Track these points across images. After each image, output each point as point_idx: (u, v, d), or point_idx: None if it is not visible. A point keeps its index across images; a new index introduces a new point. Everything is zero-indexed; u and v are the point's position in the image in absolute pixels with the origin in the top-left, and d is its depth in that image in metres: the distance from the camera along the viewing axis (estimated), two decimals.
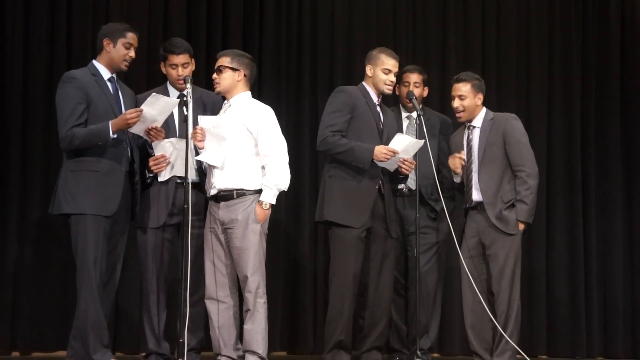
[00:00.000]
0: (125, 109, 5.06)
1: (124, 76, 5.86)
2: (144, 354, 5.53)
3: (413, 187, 5.81)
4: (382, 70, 5.57)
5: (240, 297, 5.25)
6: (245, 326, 5.14)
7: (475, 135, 5.63)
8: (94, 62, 5.18)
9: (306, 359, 6.53)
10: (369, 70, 5.62)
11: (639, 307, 7.35)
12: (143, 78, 6.70)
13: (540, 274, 7.32)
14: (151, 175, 5.31)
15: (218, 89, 5.28)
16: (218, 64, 5.28)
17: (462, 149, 5.67)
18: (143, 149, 5.27)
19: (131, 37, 5.18)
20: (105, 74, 5.15)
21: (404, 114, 6.11)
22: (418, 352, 5.39)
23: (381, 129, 5.58)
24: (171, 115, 5.34)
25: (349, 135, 5.48)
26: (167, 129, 5.31)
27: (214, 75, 5.28)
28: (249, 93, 5.33)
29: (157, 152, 5.25)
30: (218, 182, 5.17)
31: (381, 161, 5.40)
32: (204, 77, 6.14)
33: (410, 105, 5.89)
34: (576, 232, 7.40)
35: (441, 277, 6.13)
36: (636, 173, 7.50)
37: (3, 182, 6.53)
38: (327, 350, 5.46)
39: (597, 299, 7.34)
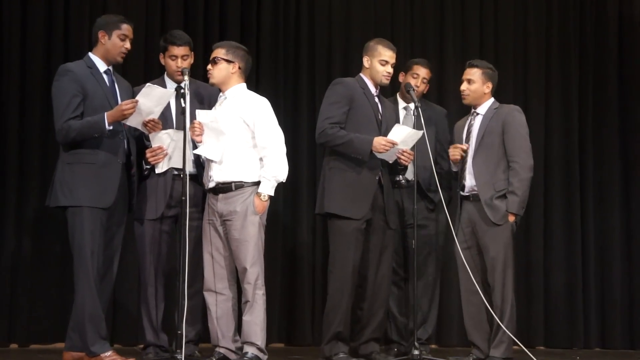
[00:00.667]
0: (122, 101, 5.05)
1: (121, 69, 5.86)
2: (142, 346, 5.54)
3: (411, 178, 5.81)
4: (380, 61, 5.56)
5: (238, 288, 5.25)
6: (244, 318, 5.14)
7: (477, 121, 5.66)
8: (90, 54, 5.17)
9: (304, 351, 6.52)
10: (366, 61, 5.62)
11: (636, 298, 7.37)
12: (140, 71, 6.71)
13: (538, 265, 7.33)
14: (148, 167, 5.31)
15: (212, 80, 5.27)
16: (213, 55, 5.27)
17: (463, 134, 5.68)
18: (140, 140, 5.27)
19: (126, 28, 5.16)
20: (101, 66, 5.14)
21: (401, 105, 6.12)
22: (416, 343, 5.39)
23: (380, 120, 5.58)
24: (168, 107, 5.34)
25: (347, 127, 5.47)
26: (164, 121, 5.30)
27: (209, 67, 5.27)
28: (244, 85, 5.32)
29: (155, 144, 5.25)
30: (216, 175, 5.17)
31: (380, 152, 5.40)
32: (201, 70, 6.14)
33: (408, 96, 5.89)
34: (574, 224, 7.41)
35: (439, 268, 6.14)
36: (634, 165, 7.52)
37: (0, 175, 6.53)
38: (325, 342, 5.47)
39: (594, 290, 7.36)
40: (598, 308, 7.36)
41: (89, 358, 4.98)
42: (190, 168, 5.18)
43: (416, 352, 5.35)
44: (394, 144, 5.38)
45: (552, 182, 7.44)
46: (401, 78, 6.09)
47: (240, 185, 5.15)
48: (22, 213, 6.51)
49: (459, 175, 5.66)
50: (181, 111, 5.13)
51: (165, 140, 5.25)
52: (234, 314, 5.24)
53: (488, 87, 5.66)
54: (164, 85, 5.40)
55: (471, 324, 5.60)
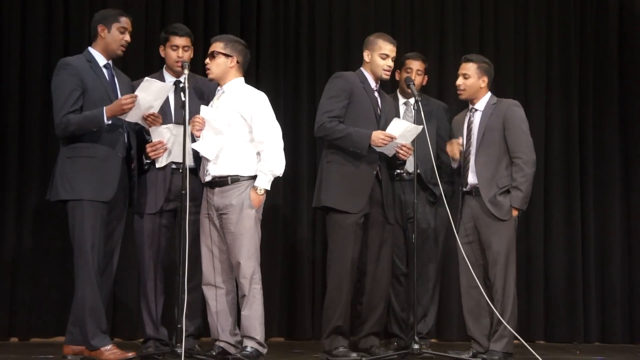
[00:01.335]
0: (121, 95, 5.05)
1: (121, 63, 5.87)
2: (142, 340, 5.54)
3: (411, 170, 5.80)
4: (380, 55, 5.56)
5: (236, 282, 5.25)
6: (242, 312, 5.14)
7: (477, 118, 5.64)
8: (90, 49, 5.17)
9: (304, 345, 6.54)
10: (366, 55, 5.62)
11: (636, 293, 7.38)
12: (140, 65, 6.71)
13: (538, 259, 7.34)
14: (148, 161, 5.31)
15: (210, 75, 5.27)
16: (211, 49, 5.27)
17: (463, 130, 5.68)
18: (140, 135, 5.27)
19: (125, 21, 5.16)
20: (101, 60, 5.14)
21: (402, 100, 6.11)
22: (416, 337, 5.40)
23: (379, 115, 5.57)
24: (167, 102, 5.34)
25: (346, 121, 5.47)
26: (163, 115, 5.30)
27: (207, 61, 5.27)
28: (242, 79, 5.31)
29: (155, 138, 5.25)
30: (212, 169, 5.17)
31: (379, 146, 5.40)
32: (200, 64, 6.13)
33: (409, 91, 5.88)
34: (574, 219, 7.42)
35: (440, 262, 6.14)
36: (634, 160, 7.52)
37: (1, 169, 6.54)
38: (325, 336, 5.47)
39: (594, 284, 7.37)
40: (598, 302, 7.37)
41: (89, 352, 4.99)
42: (189, 162, 5.18)
43: (416, 346, 5.35)
44: (392, 138, 5.38)
45: (552, 178, 7.44)
46: (397, 76, 6.08)
47: (236, 179, 5.15)
48: (22, 207, 6.52)
49: (462, 173, 5.66)
50: (181, 105, 5.13)
51: (166, 135, 5.25)
52: (233, 307, 5.24)
53: (484, 82, 5.65)
54: (162, 80, 5.40)
55: (471, 319, 5.60)
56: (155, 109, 5.09)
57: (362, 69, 5.65)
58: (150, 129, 5.20)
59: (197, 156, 5.30)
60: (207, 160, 5.19)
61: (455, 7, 7.51)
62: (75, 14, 6.70)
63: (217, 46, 5.25)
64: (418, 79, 6.00)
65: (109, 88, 5.10)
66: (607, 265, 7.43)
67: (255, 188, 5.12)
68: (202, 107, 5.25)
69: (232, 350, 5.20)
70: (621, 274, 7.39)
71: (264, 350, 5.15)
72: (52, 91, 5.06)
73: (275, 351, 5.73)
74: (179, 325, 4.84)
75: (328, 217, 5.53)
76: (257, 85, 6.38)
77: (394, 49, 5.59)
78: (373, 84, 5.61)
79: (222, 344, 5.22)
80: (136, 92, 4.96)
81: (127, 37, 5.17)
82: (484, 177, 5.52)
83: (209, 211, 5.21)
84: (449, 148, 5.69)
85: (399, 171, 5.82)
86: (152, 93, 5.00)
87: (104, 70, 5.14)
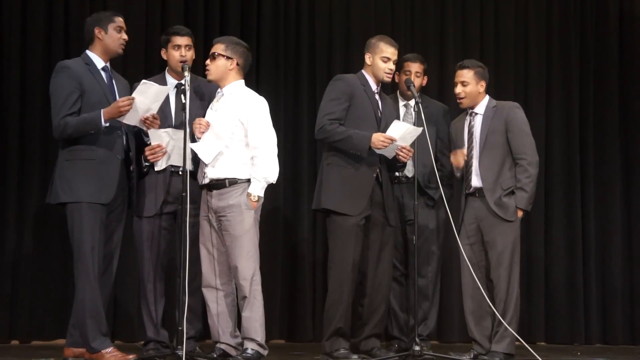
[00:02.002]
0: (120, 98, 5.05)
1: (121, 66, 5.87)
2: (142, 342, 5.54)
3: (410, 175, 5.82)
4: (381, 58, 5.56)
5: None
6: (243, 314, 5.13)
7: (477, 121, 5.64)
8: (88, 52, 5.18)
9: (305, 347, 6.53)
10: (368, 58, 5.61)
11: (637, 294, 7.37)
12: (141, 67, 6.72)
13: (539, 261, 7.34)
14: (147, 164, 5.31)
15: (210, 76, 5.27)
16: (212, 50, 5.26)
17: (463, 135, 5.68)
18: (138, 137, 5.26)
19: (119, 20, 5.19)
20: (99, 63, 5.15)
21: (401, 102, 6.11)
22: (417, 339, 5.39)
23: (379, 117, 5.57)
24: (167, 103, 5.35)
25: (347, 123, 5.47)
26: (164, 117, 5.31)
27: (207, 62, 5.26)
28: (242, 81, 5.30)
29: (154, 142, 5.25)
30: (210, 172, 5.17)
31: (379, 149, 5.40)
32: (201, 66, 6.14)
33: (408, 93, 5.88)
34: (575, 220, 7.42)
35: (440, 264, 6.14)
36: (634, 161, 7.52)
37: (2, 172, 6.55)
38: (326, 338, 5.47)
39: (595, 286, 7.36)
40: (599, 304, 7.36)
41: (89, 354, 4.98)
42: (189, 165, 5.18)
43: (417, 348, 5.34)
44: (392, 140, 5.38)
45: (553, 179, 7.44)
46: (397, 78, 6.08)
47: (233, 182, 5.14)
48: (23, 210, 6.52)
49: (465, 177, 5.65)
50: (181, 107, 5.12)
51: (165, 139, 5.25)
52: (233, 309, 5.24)
53: (482, 86, 5.65)
54: (164, 82, 5.41)
55: (472, 320, 5.59)
56: (153, 111, 5.08)
57: (363, 71, 5.65)
58: (149, 132, 5.20)
59: (196, 159, 5.29)
60: (205, 163, 5.19)
61: (455, 9, 7.51)
62: (76, 16, 6.70)
63: (218, 48, 5.25)
64: (417, 81, 6.00)
65: (107, 91, 5.10)
66: (608, 266, 7.42)
67: (249, 195, 5.11)
68: (208, 112, 5.26)
69: (232, 352, 5.20)
70: (622, 275, 7.39)
71: (265, 352, 5.15)
72: (50, 93, 5.07)
73: (276, 353, 5.73)
74: (180, 328, 4.84)
75: (328, 220, 5.52)
76: (257, 87, 6.41)
77: (396, 52, 5.59)
78: (374, 87, 5.61)
79: (222, 346, 5.22)
80: (133, 95, 4.96)
81: (125, 36, 5.19)
82: (488, 179, 5.52)
83: (208, 214, 5.21)
84: (453, 158, 5.71)
85: (397, 174, 5.81)
86: (149, 96, 4.99)
87: (102, 73, 5.14)
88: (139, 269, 5.40)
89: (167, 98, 5.37)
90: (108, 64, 5.19)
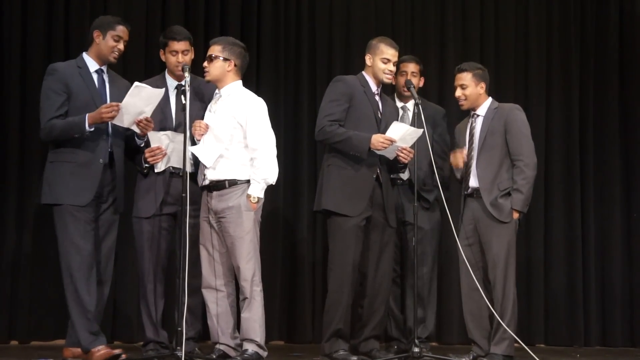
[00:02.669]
0: (113, 101, 5.06)
1: (121, 67, 5.86)
2: (142, 343, 5.54)
3: (405, 177, 5.83)
4: (382, 59, 5.56)
5: (236, 285, 5.25)
6: (242, 315, 5.14)
7: (479, 123, 5.66)
8: (84, 54, 5.21)
9: (305, 348, 6.52)
10: (368, 59, 5.62)
11: (637, 296, 7.37)
12: (141, 68, 6.71)
13: (539, 263, 7.33)
14: (147, 165, 5.31)
15: (207, 77, 5.27)
16: (209, 52, 5.26)
17: (465, 136, 5.69)
18: (131, 140, 5.26)
19: (121, 30, 5.18)
20: (93, 65, 5.16)
21: (399, 104, 6.12)
22: (416, 341, 5.39)
23: (379, 118, 5.57)
24: (168, 104, 5.36)
25: (347, 124, 5.47)
26: (164, 117, 5.32)
27: (205, 63, 5.26)
28: (240, 82, 5.30)
29: (153, 144, 5.25)
30: (210, 173, 5.18)
31: (378, 150, 5.40)
32: (201, 67, 6.14)
33: (407, 94, 5.89)
34: (574, 221, 7.41)
35: (436, 265, 6.13)
36: (634, 162, 7.51)
37: (1, 172, 6.54)
38: (325, 339, 5.47)
39: (595, 288, 7.36)
40: (598, 306, 7.36)
41: (84, 354, 5.01)
42: (188, 166, 5.18)
43: (416, 349, 5.34)
44: (392, 141, 5.38)
45: (552, 181, 7.44)
46: (393, 81, 6.07)
47: (233, 183, 5.15)
48: (22, 210, 6.52)
49: (464, 178, 5.66)
50: (181, 108, 5.13)
51: (164, 141, 5.25)
52: (233, 310, 5.24)
53: (482, 88, 5.67)
54: (164, 83, 5.41)
55: (471, 321, 5.60)
56: (147, 114, 5.08)
57: (363, 72, 5.66)
58: (149, 135, 5.21)
59: (196, 161, 5.29)
60: (205, 165, 5.19)
61: (455, 10, 7.51)
62: (76, 17, 6.70)
63: (215, 49, 5.24)
64: (414, 81, 6.00)
65: (96, 94, 5.12)
66: (608, 268, 7.41)
67: (248, 196, 5.11)
68: (207, 114, 5.26)
69: (232, 353, 5.20)
70: (621, 277, 7.38)
71: (265, 354, 5.15)
72: (40, 96, 5.10)
73: (275, 354, 5.73)
74: (179, 328, 4.84)
75: (329, 221, 5.53)
76: (258, 88, 6.40)
77: (396, 53, 5.60)
78: (374, 88, 5.61)
79: (222, 347, 5.23)
80: (125, 98, 4.96)
81: (121, 46, 5.19)
82: (485, 180, 5.53)
83: (208, 215, 5.21)
84: (452, 158, 5.71)
85: (392, 177, 5.80)
86: (142, 98, 5.00)
87: (94, 76, 5.16)
88: (139, 269, 5.40)
89: (168, 99, 5.38)
90: (104, 67, 5.20)
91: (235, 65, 5.25)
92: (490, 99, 5.71)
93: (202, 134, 5.19)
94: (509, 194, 5.51)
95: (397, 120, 5.92)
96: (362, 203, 5.43)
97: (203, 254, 5.23)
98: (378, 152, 5.43)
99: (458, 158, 5.67)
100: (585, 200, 7.45)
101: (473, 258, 5.57)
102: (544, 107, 7.50)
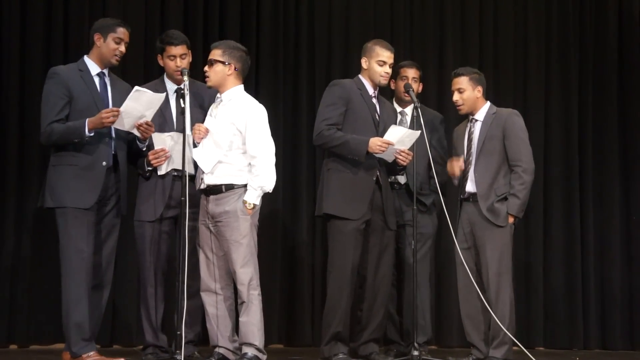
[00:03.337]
0: (115, 104, 5.06)
1: (121, 70, 5.86)
2: (141, 347, 5.53)
3: (403, 181, 5.84)
4: (377, 62, 5.57)
5: (235, 288, 5.25)
6: (240, 319, 5.13)
7: (477, 128, 5.68)
8: (85, 57, 5.20)
9: (304, 352, 6.52)
10: (364, 62, 5.63)
11: (636, 299, 7.36)
12: (140, 71, 6.70)
13: (538, 265, 7.33)
14: (150, 168, 5.31)
15: (209, 83, 5.26)
16: (210, 56, 5.25)
17: (463, 141, 5.70)
18: (133, 143, 5.26)
19: (122, 32, 5.17)
20: (94, 69, 5.15)
21: (398, 109, 6.11)
22: (415, 344, 5.39)
23: (377, 121, 5.58)
24: (168, 108, 5.36)
25: (344, 128, 5.48)
26: (164, 121, 5.32)
27: (206, 68, 5.25)
28: (241, 87, 5.30)
29: (157, 146, 5.25)
30: (207, 178, 5.17)
31: (376, 153, 5.40)
32: (200, 70, 6.14)
33: (407, 98, 5.90)
34: (573, 224, 7.41)
35: (432, 269, 6.13)
36: (633, 165, 7.52)
37: (0, 175, 6.54)
38: (325, 343, 5.47)
39: (594, 290, 7.36)
40: (598, 308, 7.35)
41: (71, 359, 4.99)
42: (190, 169, 5.18)
43: (416, 352, 5.35)
44: (390, 144, 5.38)
45: (551, 183, 7.44)
46: (392, 85, 6.09)
47: (230, 187, 5.14)
48: (21, 213, 6.51)
49: (461, 183, 5.67)
50: (181, 111, 5.13)
51: (168, 143, 5.25)
52: (231, 314, 5.23)
53: (479, 92, 5.68)
54: (163, 87, 5.42)
55: (470, 325, 5.60)
56: (147, 118, 5.08)
57: (360, 76, 5.67)
58: (153, 136, 5.21)
59: (196, 164, 5.29)
60: (203, 170, 5.19)
61: (454, 14, 7.51)
62: (75, 20, 6.70)
63: (215, 54, 5.24)
64: (414, 87, 6.01)
65: (97, 97, 5.11)
66: (607, 270, 7.41)
67: (244, 202, 5.11)
68: (207, 119, 5.25)
69: (231, 356, 5.20)
70: (621, 279, 7.38)
71: (264, 357, 5.14)
72: (41, 99, 5.10)
73: (274, 358, 5.72)
74: (179, 332, 4.84)
75: (329, 224, 5.53)
76: (256, 91, 6.41)
77: (392, 55, 5.61)
78: (371, 91, 5.62)
79: (221, 350, 5.22)
80: (126, 102, 4.95)
81: (122, 48, 5.17)
82: (482, 184, 5.55)
83: (206, 218, 5.20)
84: (449, 166, 5.73)
85: (390, 180, 5.80)
86: (143, 103, 4.99)
87: (96, 79, 5.15)
88: (139, 273, 5.40)
89: (167, 102, 5.39)
90: (106, 70, 5.19)
91: (235, 69, 5.24)
92: (488, 104, 5.72)
93: (202, 138, 5.19)
94: (505, 198, 5.52)
95: (395, 123, 5.93)
96: (363, 206, 5.44)
97: (202, 257, 5.23)
98: (376, 156, 5.43)
99: (454, 167, 5.69)
100: (584, 203, 7.45)
101: (471, 261, 5.58)
102: (543, 110, 7.51)
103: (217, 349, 5.23)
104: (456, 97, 5.67)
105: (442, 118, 6.24)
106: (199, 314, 5.41)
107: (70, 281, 4.94)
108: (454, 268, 5.78)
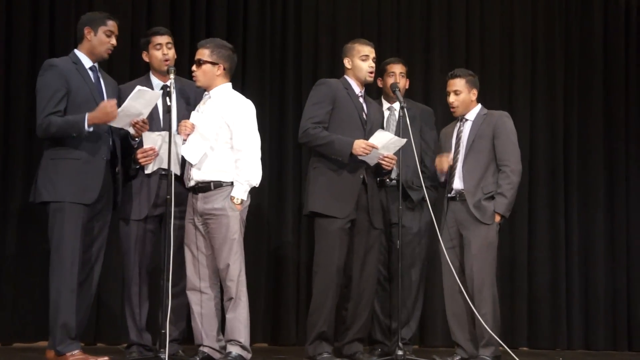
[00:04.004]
0: (107, 98, 5.02)
1: (107, 66, 5.84)
2: (125, 345, 5.52)
3: (394, 175, 5.82)
4: (360, 57, 5.59)
5: (221, 287, 5.24)
6: (227, 315, 5.13)
7: (466, 127, 5.70)
8: (76, 50, 5.16)
9: (288, 351, 6.52)
10: (347, 62, 5.65)
11: (620, 299, 7.41)
12: (126, 68, 6.68)
13: (522, 266, 7.36)
14: (137, 166, 5.28)
15: (198, 83, 5.26)
16: (197, 56, 5.24)
17: (452, 140, 5.71)
18: (125, 139, 5.24)
19: (112, 24, 5.15)
20: (87, 62, 5.12)
21: (385, 105, 6.14)
22: (400, 344, 5.40)
23: (364, 120, 5.58)
24: (155, 106, 5.33)
25: (331, 127, 5.48)
26: (151, 119, 5.29)
27: (193, 68, 5.25)
28: (229, 84, 5.30)
29: (147, 144, 5.22)
30: (195, 174, 5.17)
31: (360, 155, 5.40)
32: (187, 68, 6.12)
33: (393, 96, 5.90)
34: (558, 225, 7.44)
35: (424, 267, 6.14)
36: (618, 166, 7.56)
37: None
38: (309, 342, 5.47)
39: (578, 291, 7.39)
40: (581, 309, 7.39)
41: (55, 356, 4.95)
42: (176, 168, 5.17)
43: (400, 352, 5.36)
44: (374, 147, 5.39)
45: (536, 184, 7.47)
46: (380, 83, 6.10)
47: (219, 185, 5.14)
48: (5, 210, 6.47)
49: (448, 180, 5.69)
50: (167, 109, 5.12)
51: (158, 142, 5.23)
52: (217, 313, 5.23)
53: (474, 94, 5.72)
54: (149, 84, 5.39)
55: (455, 324, 5.62)
56: (144, 116, 5.08)
57: (345, 76, 5.68)
58: (143, 135, 5.18)
59: (183, 162, 5.27)
60: (191, 165, 5.18)
61: (441, 15, 7.52)
62: (61, 16, 6.66)
63: (204, 54, 5.23)
64: (402, 82, 6.02)
65: (95, 91, 5.08)
66: (591, 271, 7.45)
67: (232, 198, 5.10)
68: (193, 114, 5.24)
69: (216, 355, 5.19)
70: (605, 280, 7.42)
71: (249, 356, 5.14)
72: (36, 91, 5.04)
73: (259, 357, 5.72)
74: (163, 331, 4.82)
75: (315, 223, 5.53)
76: (243, 89, 6.38)
77: (373, 49, 5.63)
78: (357, 90, 5.63)
79: (206, 349, 5.21)
80: (127, 101, 4.93)
81: (114, 41, 5.15)
82: (470, 182, 5.57)
83: (194, 216, 5.19)
84: (437, 162, 5.74)
85: (378, 178, 5.81)
86: (142, 102, 4.99)
87: (90, 73, 5.12)
88: (124, 271, 5.37)
89: None
90: (96, 64, 5.17)
91: (224, 68, 5.24)
92: (479, 106, 5.76)
93: (188, 134, 5.18)
94: (492, 197, 5.54)
95: (383, 121, 5.94)
96: (349, 205, 5.44)
97: (187, 256, 5.22)
98: (360, 158, 5.43)
99: (443, 162, 5.70)
100: (569, 204, 7.49)
101: (457, 260, 5.60)
102: (529, 110, 7.53)
103: (202, 348, 5.22)
104: (452, 98, 5.69)
105: (432, 111, 6.28)
106: (183, 312, 5.40)
107: (61, 281, 4.88)
108: (438, 267, 5.80)
